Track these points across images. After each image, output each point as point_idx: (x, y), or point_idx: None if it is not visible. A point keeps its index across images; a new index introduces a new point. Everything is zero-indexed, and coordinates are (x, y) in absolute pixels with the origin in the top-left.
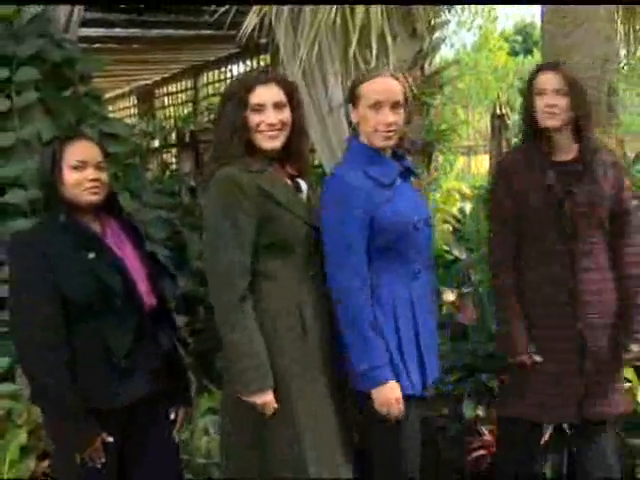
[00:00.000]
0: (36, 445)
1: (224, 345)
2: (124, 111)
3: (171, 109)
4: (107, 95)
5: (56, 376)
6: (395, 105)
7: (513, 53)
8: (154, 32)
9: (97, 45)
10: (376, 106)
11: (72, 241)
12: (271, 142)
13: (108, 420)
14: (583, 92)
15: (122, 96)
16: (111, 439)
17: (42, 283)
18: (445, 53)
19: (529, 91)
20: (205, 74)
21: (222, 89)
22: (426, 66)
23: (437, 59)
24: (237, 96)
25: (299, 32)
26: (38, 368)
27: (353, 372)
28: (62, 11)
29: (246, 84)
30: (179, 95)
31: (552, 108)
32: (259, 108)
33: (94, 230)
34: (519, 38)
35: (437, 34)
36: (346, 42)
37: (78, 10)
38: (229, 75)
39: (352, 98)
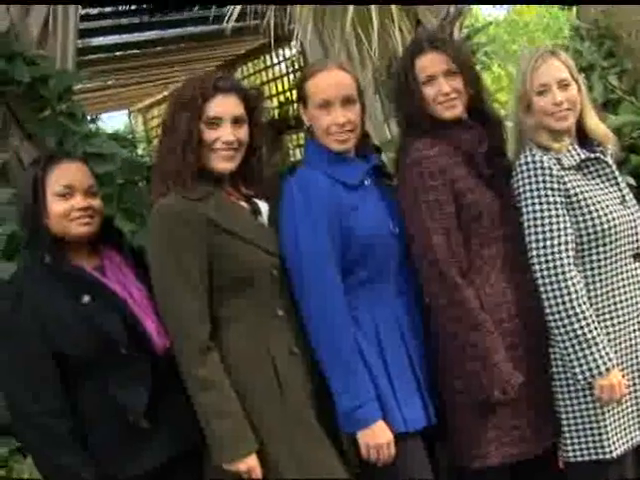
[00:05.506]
0: None
1: (194, 405)
2: None
3: None
4: (146, 102)
5: (61, 448)
6: (347, 101)
7: (562, 6)
8: (173, 32)
9: (118, 53)
10: (325, 105)
11: (62, 286)
12: (225, 163)
13: None
14: (472, 63)
15: (159, 102)
16: None
17: (33, 346)
18: (495, 13)
19: (411, 78)
20: (239, 69)
21: (258, 81)
22: (455, 32)
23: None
24: (192, 105)
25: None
26: (39, 440)
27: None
28: (33, 25)
29: (203, 91)
30: None
31: (448, 96)
32: (215, 122)
33: (86, 269)
34: None
35: None
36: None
37: (74, 20)
38: (264, 65)
39: (300, 97)
